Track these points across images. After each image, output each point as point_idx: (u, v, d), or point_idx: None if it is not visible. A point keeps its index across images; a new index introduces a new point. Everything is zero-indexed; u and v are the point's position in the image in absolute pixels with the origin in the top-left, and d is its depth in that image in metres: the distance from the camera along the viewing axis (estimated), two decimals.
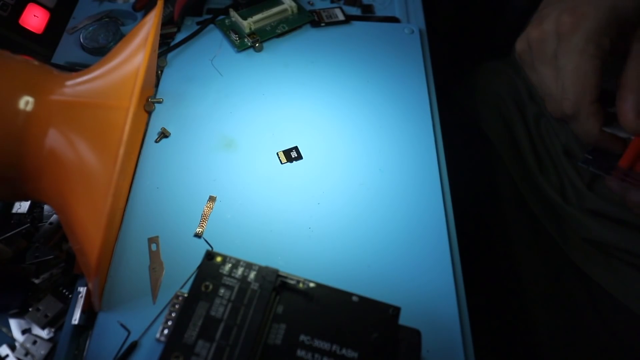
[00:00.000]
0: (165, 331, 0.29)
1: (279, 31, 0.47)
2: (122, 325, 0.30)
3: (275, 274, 0.28)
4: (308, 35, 0.47)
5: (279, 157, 0.38)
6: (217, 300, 0.27)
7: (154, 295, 0.32)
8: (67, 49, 0.45)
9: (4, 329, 0.32)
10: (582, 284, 0.47)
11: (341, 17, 0.48)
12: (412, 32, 0.47)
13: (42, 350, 0.31)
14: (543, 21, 0.32)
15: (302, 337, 0.27)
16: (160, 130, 0.39)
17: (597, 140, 0.31)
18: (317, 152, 0.39)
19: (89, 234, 0.26)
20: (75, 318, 0.30)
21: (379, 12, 0.50)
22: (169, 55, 0.44)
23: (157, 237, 0.34)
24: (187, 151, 0.39)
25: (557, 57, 0.31)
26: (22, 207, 0.37)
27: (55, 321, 0.32)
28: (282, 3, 0.47)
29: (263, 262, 0.29)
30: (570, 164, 0.49)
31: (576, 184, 0.48)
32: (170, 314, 0.29)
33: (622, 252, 0.44)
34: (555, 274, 0.50)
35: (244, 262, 0.29)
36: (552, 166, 0.51)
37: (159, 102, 0.41)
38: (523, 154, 0.54)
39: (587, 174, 0.47)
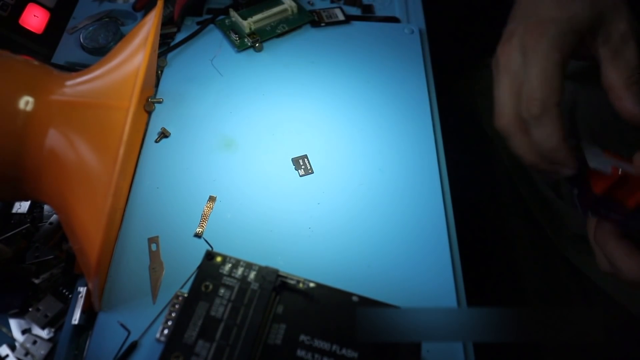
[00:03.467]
0: (165, 331, 0.29)
1: (279, 31, 0.47)
2: (122, 325, 0.30)
3: (275, 274, 0.28)
4: (308, 35, 0.47)
5: (294, 165, 0.38)
6: (217, 300, 0.27)
7: (154, 295, 0.32)
8: (67, 49, 0.45)
9: (4, 329, 0.32)
10: (575, 279, 0.48)
11: (341, 17, 0.48)
12: (412, 32, 0.47)
13: (42, 350, 0.31)
14: (511, 38, 0.35)
15: (302, 337, 0.27)
16: (160, 130, 0.39)
17: (556, 149, 0.33)
18: (317, 152, 0.39)
19: (89, 234, 0.26)
20: (75, 318, 0.30)
21: (379, 12, 0.50)
22: (169, 55, 0.44)
23: (157, 237, 0.34)
24: (187, 151, 0.39)
25: (524, 68, 0.33)
26: (22, 207, 0.37)
27: (55, 321, 0.32)
28: (282, 3, 0.47)
29: (263, 262, 0.29)
30: None
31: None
32: (170, 314, 0.29)
33: None
34: (552, 270, 0.50)
35: (244, 262, 0.29)
36: None
37: (159, 102, 0.41)
38: None
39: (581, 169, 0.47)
